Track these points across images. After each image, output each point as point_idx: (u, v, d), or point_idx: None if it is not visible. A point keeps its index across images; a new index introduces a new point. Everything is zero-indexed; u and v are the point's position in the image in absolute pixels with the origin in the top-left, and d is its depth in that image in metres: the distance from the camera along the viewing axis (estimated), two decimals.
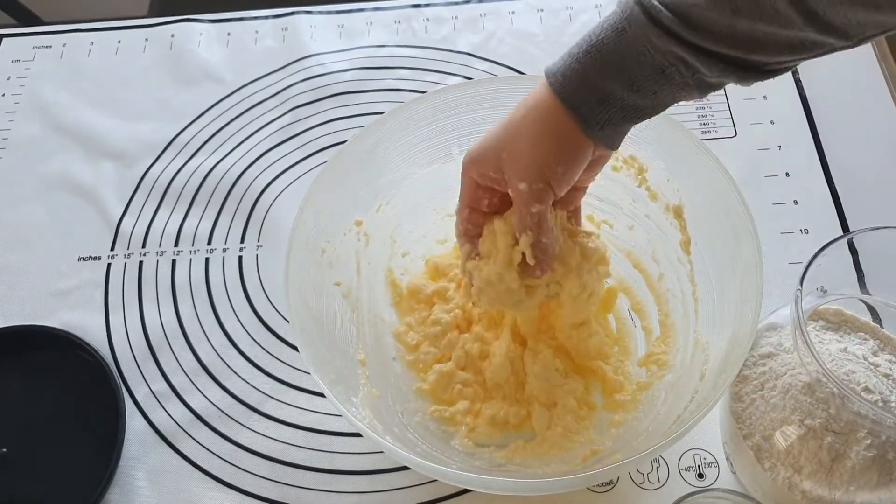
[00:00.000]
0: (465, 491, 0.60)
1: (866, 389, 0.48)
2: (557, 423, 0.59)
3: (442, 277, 0.67)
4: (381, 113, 0.68)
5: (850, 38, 0.43)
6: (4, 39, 0.91)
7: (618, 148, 0.51)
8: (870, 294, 0.61)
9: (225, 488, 0.61)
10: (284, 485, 0.61)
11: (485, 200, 0.54)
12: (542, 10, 0.90)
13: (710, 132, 0.78)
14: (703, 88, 0.46)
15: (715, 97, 0.80)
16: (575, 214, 0.58)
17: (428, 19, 0.90)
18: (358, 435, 0.63)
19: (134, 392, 0.66)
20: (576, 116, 0.47)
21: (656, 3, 0.44)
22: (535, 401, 0.60)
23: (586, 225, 0.62)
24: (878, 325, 0.55)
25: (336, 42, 0.88)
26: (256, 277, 0.73)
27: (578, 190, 0.56)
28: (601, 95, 0.46)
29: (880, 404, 0.47)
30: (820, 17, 0.41)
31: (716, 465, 0.60)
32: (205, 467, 0.62)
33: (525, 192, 0.50)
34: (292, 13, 0.91)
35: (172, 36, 0.90)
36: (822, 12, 0.41)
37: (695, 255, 0.62)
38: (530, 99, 0.49)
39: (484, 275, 0.55)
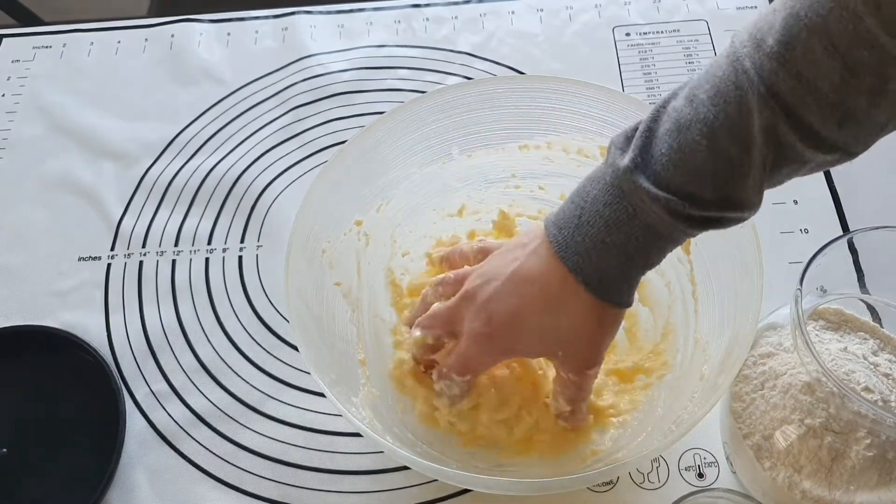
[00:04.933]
0: (465, 491, 0.60)
1: (866, 389, 0.48)
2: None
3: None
4: (381, 113, 0.68)
5: (856, 154, 0.45)
6: (4, 39, 0.91)
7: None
8: (870, 294, 0.61)
9: (225, 488, 0.61)
10: (284, 485, 0.61)
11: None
12: (541, 10, 0.90)
13: None
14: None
15: None
16: None
17: (428, 19, 0.90)
18: (358, 435, 0.63)
19: (134, 392, 0.66)
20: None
21: (661, 193, 0.44)
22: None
23: None
24: (878, 325, 0.55)
25: (336, 42, 0.88)
26: (256, 277, 0.73)
27: None
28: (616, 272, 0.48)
29: (880, 404, 0.47)
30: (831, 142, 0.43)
31: (716, 464, 0.60)
32: (205, 467, 0.62)
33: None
34: (292, 13, 0.91)
35: (172, 36, 0.90)
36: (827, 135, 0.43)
37: (695, 255, 0.62)
38: (538, 266, 0.50)
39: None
